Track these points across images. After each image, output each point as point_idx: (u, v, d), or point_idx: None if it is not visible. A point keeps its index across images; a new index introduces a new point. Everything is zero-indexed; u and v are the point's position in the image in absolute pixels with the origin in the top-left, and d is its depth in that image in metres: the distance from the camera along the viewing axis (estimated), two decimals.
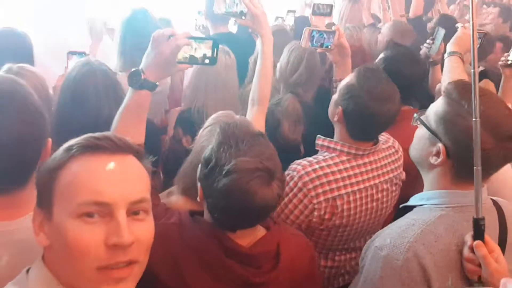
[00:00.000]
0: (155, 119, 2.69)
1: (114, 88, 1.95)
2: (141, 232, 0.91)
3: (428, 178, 1.42)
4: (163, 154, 2.49)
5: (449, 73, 2.17)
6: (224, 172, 1.23)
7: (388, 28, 3.27)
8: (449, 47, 2.31)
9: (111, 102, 1.89)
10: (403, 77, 2.22)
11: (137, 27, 2.59)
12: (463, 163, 1.30)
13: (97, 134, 0.93)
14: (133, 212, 0.91)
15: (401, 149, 2.02)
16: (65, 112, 1.92)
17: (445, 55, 2.31)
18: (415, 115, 1.48)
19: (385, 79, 1.84)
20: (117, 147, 0.92)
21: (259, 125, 1.97)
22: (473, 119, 1.19)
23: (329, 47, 2.29)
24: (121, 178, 0.91)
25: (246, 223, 1.34)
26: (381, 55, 2.49)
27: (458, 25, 2.40)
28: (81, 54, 2.50)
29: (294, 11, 4.31)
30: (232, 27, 3.60)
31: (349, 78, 1.87)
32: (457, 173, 1.34)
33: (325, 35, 2.28)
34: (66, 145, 0.93)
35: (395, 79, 1.88)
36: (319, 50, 2.34)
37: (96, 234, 0.86)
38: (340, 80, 2.07)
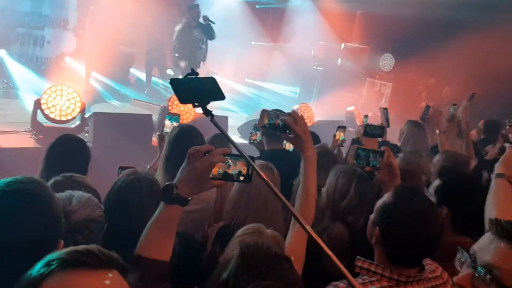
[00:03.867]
0: (197, 235, 2.60)
1: (158, 198, 1.91)
2: None
3: None
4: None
5: (494, 206, 1.97)
6: None
7: (440, 156, 3.11)
8: (496, 167, 2.14)
9: (154, 211, 1.87)
10: (461, 204, 2.09)
11: (183, 145, 2.57)
12: None
13: (80, 248, 0.88)
14: None
15: (450, 281, 1.82)
16: (110, 219, 1.90)
17: (492, 175, 2.13)
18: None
19: (425, 200, 1.76)
20: (100, 263, 0.87)
21: (299, 247, 1.87)
22: None
23: (377, 166, 2.20)
24: None
25: None
26: (437, 181, 2.35)
27: (506, 144, 2.23)
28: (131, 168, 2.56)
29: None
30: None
31: (386, 196, 1.79)
32: None
33: (371, 154, 2.21)
34: (46, 258, 0.88)
35: (452, 206, 1.82)
36: (367, 168, 2.25)
37: None
38: None
